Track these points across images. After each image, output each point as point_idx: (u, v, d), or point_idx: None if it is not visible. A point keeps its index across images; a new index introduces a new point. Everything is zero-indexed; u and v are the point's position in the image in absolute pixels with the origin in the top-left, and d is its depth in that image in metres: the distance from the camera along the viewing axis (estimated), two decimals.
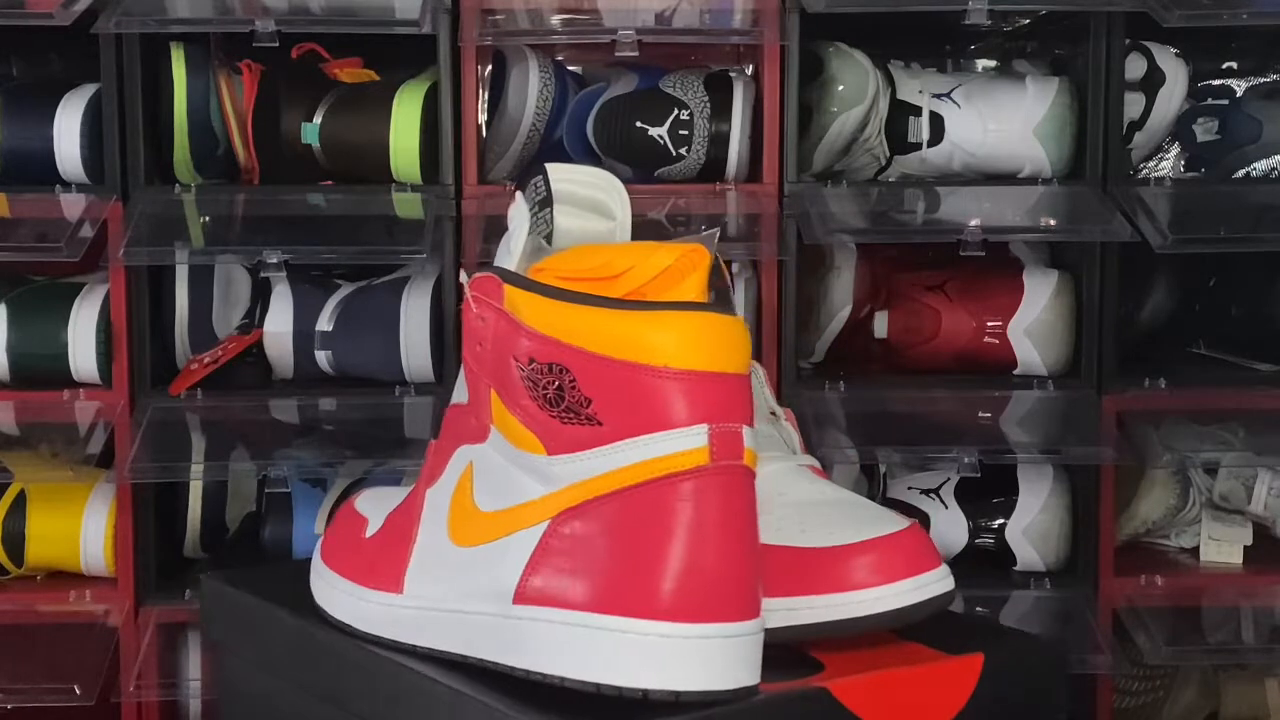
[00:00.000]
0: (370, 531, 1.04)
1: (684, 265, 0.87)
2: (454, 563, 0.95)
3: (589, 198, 0.96)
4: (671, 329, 0.84)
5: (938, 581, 0.95)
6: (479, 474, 0.94)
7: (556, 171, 0.96)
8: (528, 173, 0.97)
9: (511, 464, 0.91)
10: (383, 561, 1.01)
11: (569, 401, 0.86)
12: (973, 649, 0.96)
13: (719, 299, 0.90)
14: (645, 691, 0.83)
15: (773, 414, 1.01)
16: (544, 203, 0.96)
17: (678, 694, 0.83)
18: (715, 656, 0.83)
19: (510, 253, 0.93)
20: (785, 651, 0.90)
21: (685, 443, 0.84)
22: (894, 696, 0.90)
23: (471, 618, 0.94)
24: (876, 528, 0.94)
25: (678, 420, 0.84)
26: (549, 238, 0.96)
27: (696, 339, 0.84)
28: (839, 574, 0.91)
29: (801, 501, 0.94)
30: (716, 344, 0.84)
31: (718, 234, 0.95)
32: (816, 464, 1.00)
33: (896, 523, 0.96)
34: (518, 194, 0.96)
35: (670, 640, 0.83)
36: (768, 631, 0.88)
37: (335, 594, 1.06)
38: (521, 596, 0.89)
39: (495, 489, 0.92)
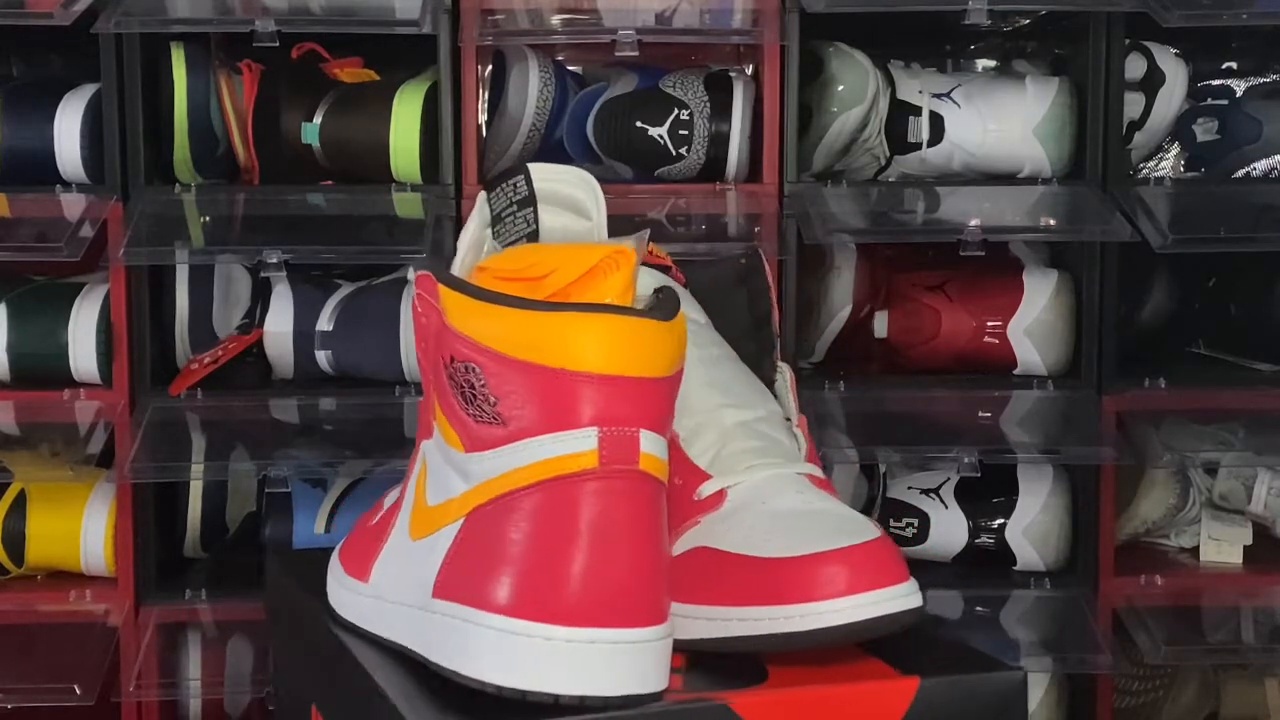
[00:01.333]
0: (375, 520, 1.05)
1: (607, 266, 0.86)
2: (405, 555, 0.96)
3: (569, 196, 0.96)
4: (566, 330, 0.84)
5: (900, 597, 0.90)
6: (429, 469, 0.95)
7: (539, 171, 0.96)
8: (507, 173, 0.97)
9: (445, 460, 0.92)
10: (364, 550, 1.02)
11: (480, 400, 0.87)
12: (913, 672, 0.90)
13: (664, 301, 0.88)
14: (523, 692, 0.83)
15: (787, 420, 1.00)
16: (524, 202, 0.95)
17: (524, 692, 0.83)
18: (587, 661, 0.82)
19: (457, 250, 0.93)
20: (737, 660, 0.89)
21: (574, 445, 0.83)
22: (802, 717, 0.87)
23: (405, 610, 0.94)
24: (841, 539, 0.90)
25: (568, 422, 0.83)
26: (532, 236, 0.96)
27: (589, 340, 0.83)
28: (793, 585, 0.88)
29: (779, 511, 0.93)
30: (611, 346, 0.83)
31: (648, 234, 0.94)
32: (818, 472, 0.98)
33: (864, 535, 0.92)
34: (481, 193, 0.96)
35: (533, 641, 0.83)
36: (722, 641, 0.87)
37: (329, 578, 1.07)
38: (438, 591, 0.90)
39: (437, 484, 0.93)
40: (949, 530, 1.77)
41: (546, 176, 0.96)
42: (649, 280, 1.01)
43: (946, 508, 1.77)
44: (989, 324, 1.77)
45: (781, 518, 0.92)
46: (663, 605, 0.84)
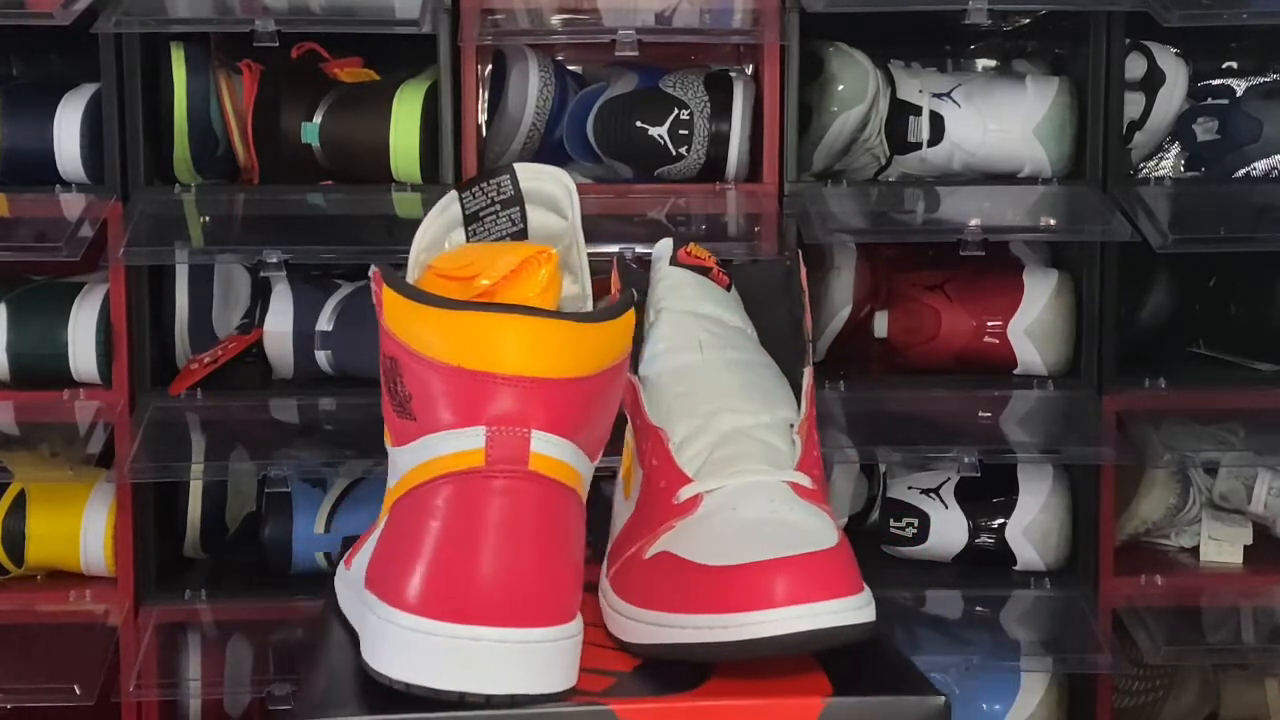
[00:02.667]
0: None
1: (531, 266, 0.87)
2: (367, 545, 0.98)
3: (550, 194, 0.96)
4: (462, 328, 0.84)
5: (841, 611, 0.87)
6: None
7: (524, 170, 0.96)
8: (488, 172, 0.97)
9: (389, 455, 0.93)
10: (363, 539, 1.03)
11: (399, 395, 0.87)
12: (846, 690, 0.87)
13: (620, 303, 0.89)
14: (406, 685, 0.84)
15: (790, 425, 0.99)
16: (509, 202, 0.95)
17: (407, 685, 0.83)
18: (470, 658, 0.82)
19: (411, 248, 0.93)
20: (685, 667, 0.88)
21: (463, 443, 0.83)
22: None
23: (356, 598, 0.95)
24: (788, 549, 0.88)
25: (460, 420, 0.83)
26: (519, 235, 0.96)
27: (482, 339, 0.84)
28: (730, 595, 0.86)
29: (745, 519, 0.92)
30: (503, 345, 0.83)
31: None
32: (805, 481, 0.96)
33: (813, 545, 0.89)
34: (451, 192, 0.96)
35: (417, 635, 0.83)
36: (667, 647, 0.87)
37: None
38: (367, 581, 0.90)
39: (390, 478, 0.94)
40: (949, 530, 1.77)
41: (527, 175, 0.96)
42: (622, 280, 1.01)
43: (946, 508, 1.77)
44: (989, 324, 1.77)
45: (744, 526, 0.91)
46: (548, 607, 0.83)
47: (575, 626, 0.86)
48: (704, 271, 1.07)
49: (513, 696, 0.82)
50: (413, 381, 0.86)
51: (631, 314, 0.91)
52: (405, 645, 0.83)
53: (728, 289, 1.08)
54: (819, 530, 0.91)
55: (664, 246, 1.08)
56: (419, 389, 0.85)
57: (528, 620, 0.83)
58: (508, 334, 0.83)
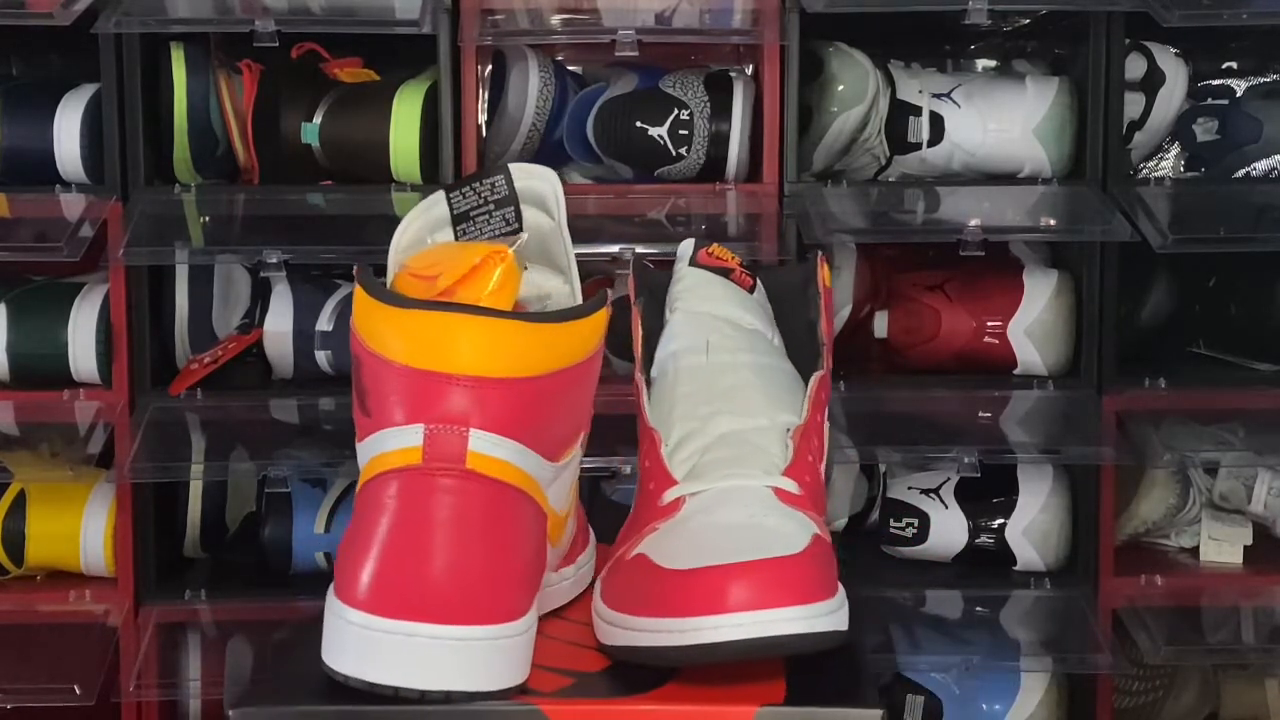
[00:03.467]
0: None
1: (487, 265, 0.87)
2: None
3: (539, 193, 0.97)
4: (406, 327, 0.85)
5: (799, 619, 0.86)
6: None
7: (516, 170, 0.96)
8: (480, 172, 0.97)
9: None
10: None
11: (359, 390, 0.88)
12: (798, 700, 0.86)
13: (585, 305, 0.89)
14: (344, 676, 0.84)
15: (787, 430, 0.98)
16: (503, 201, 0.95)
17: (346, 677, 0.84)
18: (405, 653, 0.83)
19: (390, 247, 0.94)
20: (648, 670, 0.88)
21: (402, 440, 0.84)
22: None
23: None
24: (751, 554, 0.87)
25: (401, 418, 0.84)
26: (514, 235, 0.96)
27: (424, 338, 0.84)
28: (686, 599, 0.85)
29: (719, 524, 0.91)
30: (444, 345, 0.84)
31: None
32: (792, 487, 0.95)
33: (778, 550, 0.88)
34: (439, 192, 0.96)
35: (358, 629, 0.84)
36: (629, 650, 0.87)
37: None
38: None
39: None
40: (949, 530, 1.77)
41: (519, 175, 0.96)
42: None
43: (946, 508, 1.77)
44: (989, 324, 1.77)
45: (714, 530, 0.91)
46: (483, 605, 0.83)
47: (518, 626, 0.86)
48: (725, 273, 1.06)
49: (447, 693, 0.83)
50: (368, 377, 0.87)
51: (600, 315, 0.91)
52: (348, 639, 0.84)
53: (751, 290, 1.06)
54: (790, 535, 0.90)
55: (685, 247, 1.08)
56: (373, 385, 0.86)
57: (462, 618, 0.83)
58: (446, 333, 0.84)
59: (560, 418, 0.89)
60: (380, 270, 0.91)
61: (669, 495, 0.95)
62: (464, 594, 0.83)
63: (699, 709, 0.85)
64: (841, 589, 0.91)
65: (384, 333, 0.85)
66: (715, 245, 1.08)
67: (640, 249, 1.64)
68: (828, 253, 1.76)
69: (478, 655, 0.84)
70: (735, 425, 0.97)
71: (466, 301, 0.86)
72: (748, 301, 1.05)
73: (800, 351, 1.05)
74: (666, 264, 1.09)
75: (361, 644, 0.83)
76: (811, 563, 0.88)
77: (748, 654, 0.85)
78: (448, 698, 0.83)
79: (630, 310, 1.74)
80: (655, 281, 1.08)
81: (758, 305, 1.06)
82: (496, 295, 0.87)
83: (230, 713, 0.86)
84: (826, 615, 0.87)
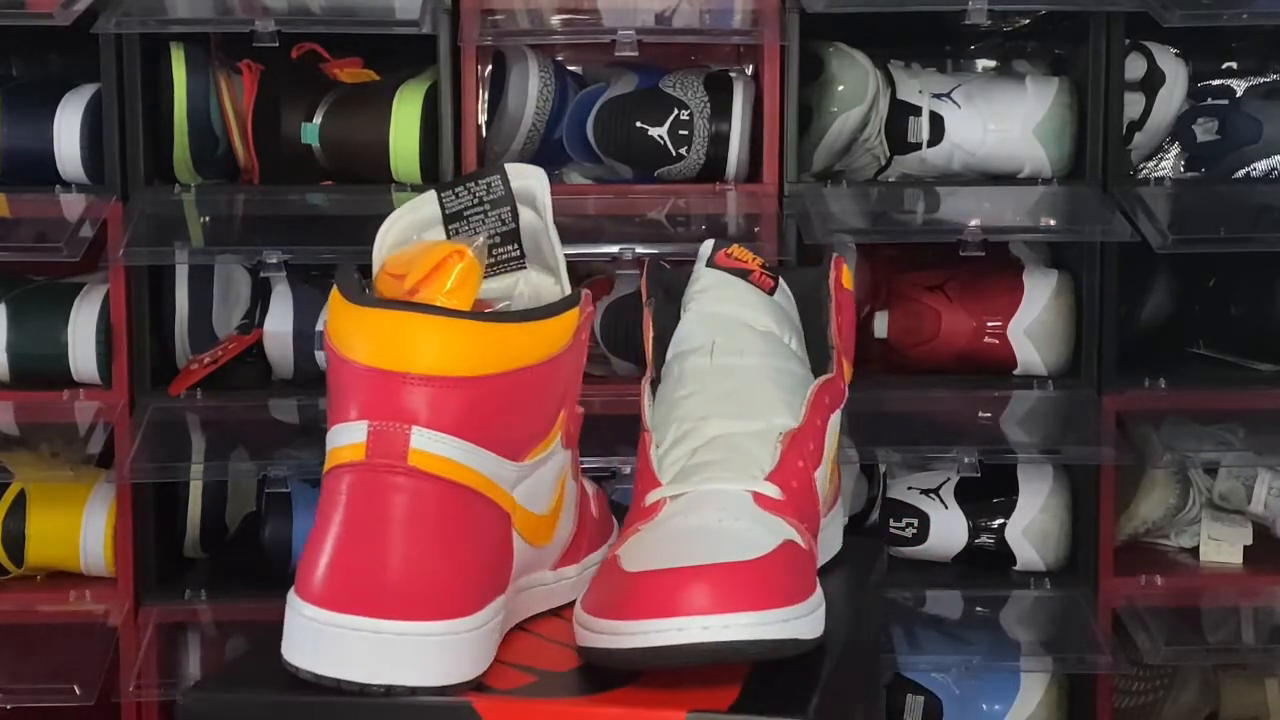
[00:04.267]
0: None
1: (447, 264, 0.88)
2: None
3: (529, 191, 0.97)
4: (358, 325, 0.86)
5: (750, 625, 0.84)
6: None
7: (514, 169, 0.96)
8: (476, 172, 0.97)
9: None
10: None
11: (328, 385, 0.89)
12: (690, 706, 0.85)
13: (549, 306, 0.89)
14: (295, 669, 0.85)
15: (781, 434, 0.98)
16: (499, 201, 0.95)
17: (297, 669, 0.85)
18: (333, 645, 0.84)
19: (374, 246, 0.94)
20: (611, 671, 0.88)
21: (349, 437, 0.85)
22: None
23: None
24: (707, 558, 0.86)
25: (351, 414, 0.85)
26: (510, 235, 0.96)
27: (372, 336, 0.85)
28: (635, 602, 0.85)
29: (688, 527, 0.90)
30: (389, 342, 0.84)
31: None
32: (773, 492, 0.94)
33: (734, 555, 0.87)
34: (429, 192, 0.96)
35: (297, 618, 0.85)
36: (585, 651, 0.86)
37: None
38: None
39: None
40: (949, 530, 1.77)
41: (512, 174, 0.96)
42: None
43: (946, 508, 1.77)
44: (989, 324, 1.77)
45: (682, 533, 0.90)
46: (420, 601, 0.84)
47: (464, 623, 0.86)
48: (744, 274, 1.05)
49: (387, 687, 0.84)
50: (329, 371, 0.88)
51: (565, 317, 0.90)
52: (299, 633, 0.85)
53: (771, 292, 1.05)
54: (754, 540, 0.89)
55: (705, 247, 1.07)
56: (332, 379, 0.88)
57: (401, 613, 0.84)
58: (391, 330, 0.85)
59: (520, 417, 0.89)
60: (368, 270, 0.92)
61: (651, 497, 0.95)
62: (403, 590, 0.84)
63: (626, 711, 0.85)
64: (814, 597, 0.90)
65: (340, 329, 0.87)
66: (736, 246, 1.07)
67: (640, 249, 1.64)
68: (828, 253, 1.76)
69: (417, 650, 0.84)
70: (727, 428, 0.97)
71: (427, 300, 0.87)
72: (764, 304, 1.04)
73: (817, 355, 1.05)
74: (688, 264, 1.08)
75: (310, 637, 0.84)
76: (772, 568, 0.87)
77: (691, 659, 0.84)
78: (388, 691, 0.84)
79: (631, 310, 1.75)
80: (673, 282, 1.07)
81: (776, 307, 1.05)
82: (454, 294, 0.87)
83: (179, 698, 0.86)
84: (782, 622, 0.86)
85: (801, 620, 0.88)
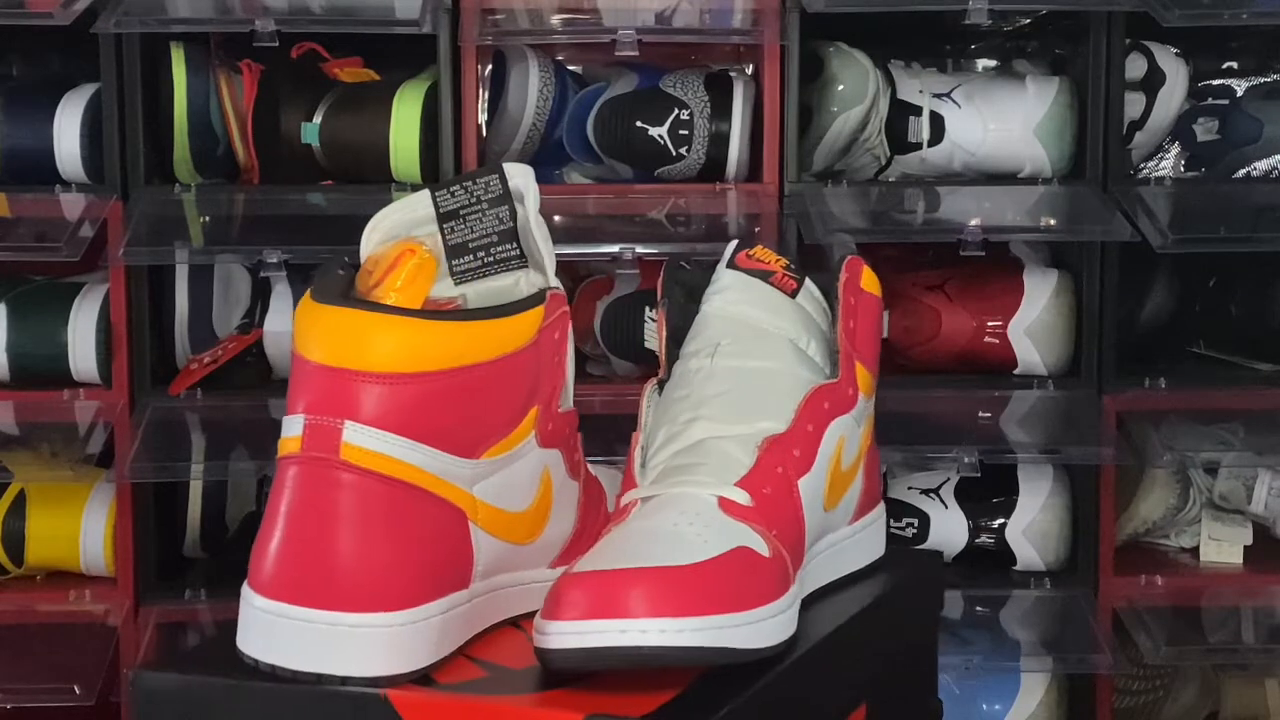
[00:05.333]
0: None
1: (400, 262, 0.89)
2: None
3: (519, 189, 0.97)
4: (305, 321, 0.87)
5: (665, 631, 0.83)
6: None
7: (512, 169, 0.96)
8: (476, 171, 0.97)
9: None
10: None
11: None
12: (586, 710, 0.84)
13: (518, 304, 0.90)
14: (240, 653, 0.87)
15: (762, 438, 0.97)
16: (497, 200, 0.95)
17: (243, 654, 0.86)
18: (276, 632, 0.85)
19: (362, 243, 0.95)
20: (561, 671, 0.88)
21: (289, 430, 0.87)
22: None
23: None
24: (645, 560, 0.85)
25: (291, 408, 0.87)
26: (508, 234, 0.96)
27: (309, 331, 0.87)
28: (552, 603, 0.85)
29: (642, 529, 0.90)
30: (324, 338, 0.86)
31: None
32: (742, 497, 0.92)
33: (675, 559, 0.85)
34: (423, 191, 0.96)
35: (248, 608, 0.86)
36: (536, 651, 0.86)
37: None
38: None
39: None
40: (949, 530, 1.77)
41: (516, 172, 0.96)
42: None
43: (946, 508, 1.77)
44: (989, 324, 1.77)
45: (634, 536, 0.90)
46: (352, 593, 0.85)
47: (398, 616, 0.86)
48: (765, 275, 1.03)
49: (317, 675, 0.85)
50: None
51: (524, 316, 0.90)
52: (244, 618, 0.87)
53: (794, 294, 1.04)
54: (700, 546, 0.88)
55: (729, 248, 1.06)
56: (290, 373, 0.89)
57: (331, 603, 0.85)
58: (330, 326, 0.86)
59: (471, 414, 0.89)
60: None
61: (626, 499, 0.95)
62: (336, 581, 0.85)
63: (526, 710, 0.85)
64: (769, 607, 0.88)
65: (296, 324, 0.89)
66: (759, 247, 1.05)
67: (640, 249, 1.64)
68: (828, 252, 1.77)
69: (349, 641, 0.85)
70: (713, 431, 0.96)
71: (379, 297, 0.88)
72: (783, 306, 1.02)
73: (832, 358, 1.04)
74: (713, 264, 1.07)
75: (251, 623, 0.86)
76: (711, 574, 0.86)
77: (609, 663, 0.84)
78: (318, 680, 0.85)
79: (631, 310, 1.75)
80: (695, 282, 1.06)
81: (797, 310, 1.03)
82: (405, 291, 0.88)
83: (130, 673, 0.88)
84: (714, 629, 0.85)
85: (741, 629, 0.86)
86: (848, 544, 1.04)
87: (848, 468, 1.02)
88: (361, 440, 0.85)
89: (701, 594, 0.85)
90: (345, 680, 0.85)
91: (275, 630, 0.85)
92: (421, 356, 0.86)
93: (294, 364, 0.88)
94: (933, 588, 1.17)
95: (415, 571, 0.87)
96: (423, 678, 0.87)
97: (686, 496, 0.93)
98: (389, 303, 0.87)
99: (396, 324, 0.86)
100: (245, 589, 0.86)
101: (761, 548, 0.90)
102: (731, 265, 1.04)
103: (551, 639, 0.84)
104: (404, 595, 0.86)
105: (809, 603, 0.98)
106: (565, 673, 0.86)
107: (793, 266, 1.04)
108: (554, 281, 0.95)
